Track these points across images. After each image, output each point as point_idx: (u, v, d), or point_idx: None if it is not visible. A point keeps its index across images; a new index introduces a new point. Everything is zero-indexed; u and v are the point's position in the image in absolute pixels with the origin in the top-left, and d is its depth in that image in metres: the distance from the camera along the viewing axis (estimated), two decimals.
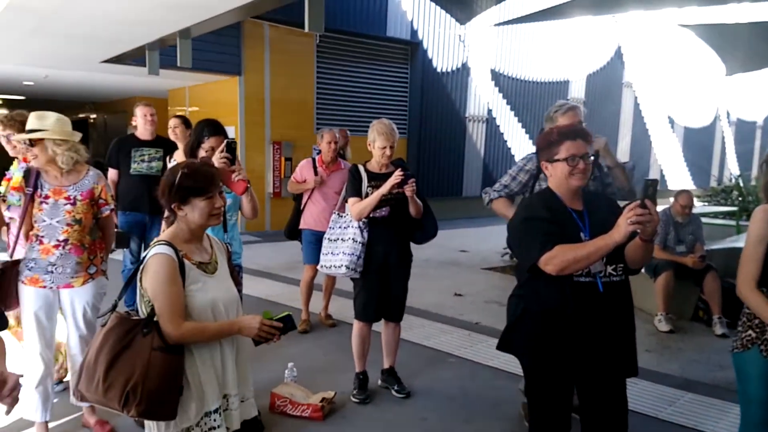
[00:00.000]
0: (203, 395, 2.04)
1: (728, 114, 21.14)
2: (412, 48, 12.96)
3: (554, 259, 2.14)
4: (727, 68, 8.23)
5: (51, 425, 3.19)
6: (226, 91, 10.89)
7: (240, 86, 10.68)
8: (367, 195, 3.61)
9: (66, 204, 2.94)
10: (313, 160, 5.24)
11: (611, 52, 16.85)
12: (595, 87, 16.57)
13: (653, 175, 18.22)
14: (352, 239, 3.66)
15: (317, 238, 5.11)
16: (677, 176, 19.39)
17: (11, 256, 3.01)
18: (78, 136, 2.97)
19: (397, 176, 3.46)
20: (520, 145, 15.02)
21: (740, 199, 11.62)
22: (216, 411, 2.06)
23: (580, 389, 2.40)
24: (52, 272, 2.95)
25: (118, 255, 5.34)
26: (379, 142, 3.60)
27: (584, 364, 2.28)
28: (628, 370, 2.37)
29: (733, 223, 8.83)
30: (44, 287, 2.95)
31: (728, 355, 2.48)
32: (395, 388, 3.90)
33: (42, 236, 2.94)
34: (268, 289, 6.51)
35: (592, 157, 2.35)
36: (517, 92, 14.98)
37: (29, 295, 2.95)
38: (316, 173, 5.13)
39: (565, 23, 14.51)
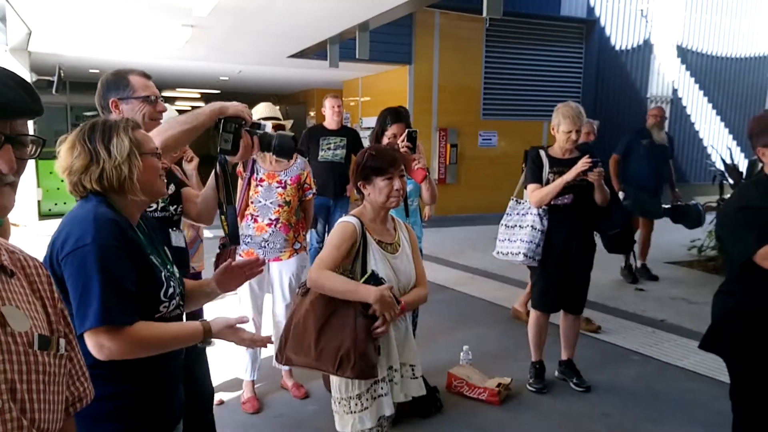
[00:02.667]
0: None
1: None
2: (587, 26, 12.26)
3: None
4: None
5: (256, 385, 3.58)
6: (397, 80, 11.20)
7: (410, 75, 10.91)
8: (548, 181, 3.51)
9: (278, 187, 3.31)
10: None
11: None
12: None
13: None
14: (531, 226, 3.59)
15: None
16: None
17: None
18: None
19: (584, 163, 3.32)
20: (711, 127, 13.59)
21: None
22: (383, 380, 2.19)
23: None
24: (264, 247, 3.33)
25: None
26: (564, 125, 3.47)
27: None
28: None
29: None
30: None
31: None
32: (574, 380, 3.79)
33: (257, 215, 3.34)
34: (435, 273, 6.60)
35: None
36: (708, 69, 13.54)
37: None
38: None
39: None
